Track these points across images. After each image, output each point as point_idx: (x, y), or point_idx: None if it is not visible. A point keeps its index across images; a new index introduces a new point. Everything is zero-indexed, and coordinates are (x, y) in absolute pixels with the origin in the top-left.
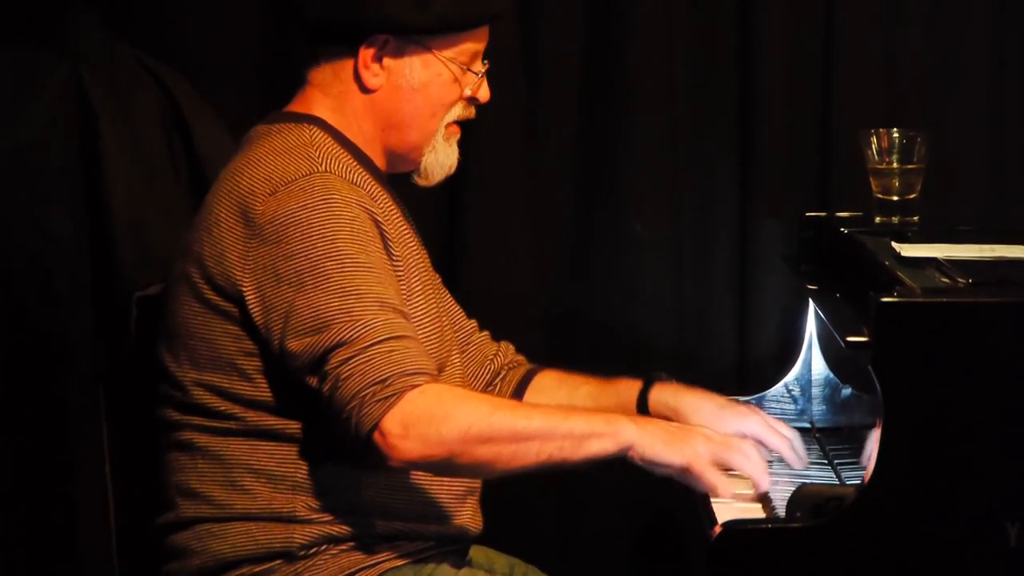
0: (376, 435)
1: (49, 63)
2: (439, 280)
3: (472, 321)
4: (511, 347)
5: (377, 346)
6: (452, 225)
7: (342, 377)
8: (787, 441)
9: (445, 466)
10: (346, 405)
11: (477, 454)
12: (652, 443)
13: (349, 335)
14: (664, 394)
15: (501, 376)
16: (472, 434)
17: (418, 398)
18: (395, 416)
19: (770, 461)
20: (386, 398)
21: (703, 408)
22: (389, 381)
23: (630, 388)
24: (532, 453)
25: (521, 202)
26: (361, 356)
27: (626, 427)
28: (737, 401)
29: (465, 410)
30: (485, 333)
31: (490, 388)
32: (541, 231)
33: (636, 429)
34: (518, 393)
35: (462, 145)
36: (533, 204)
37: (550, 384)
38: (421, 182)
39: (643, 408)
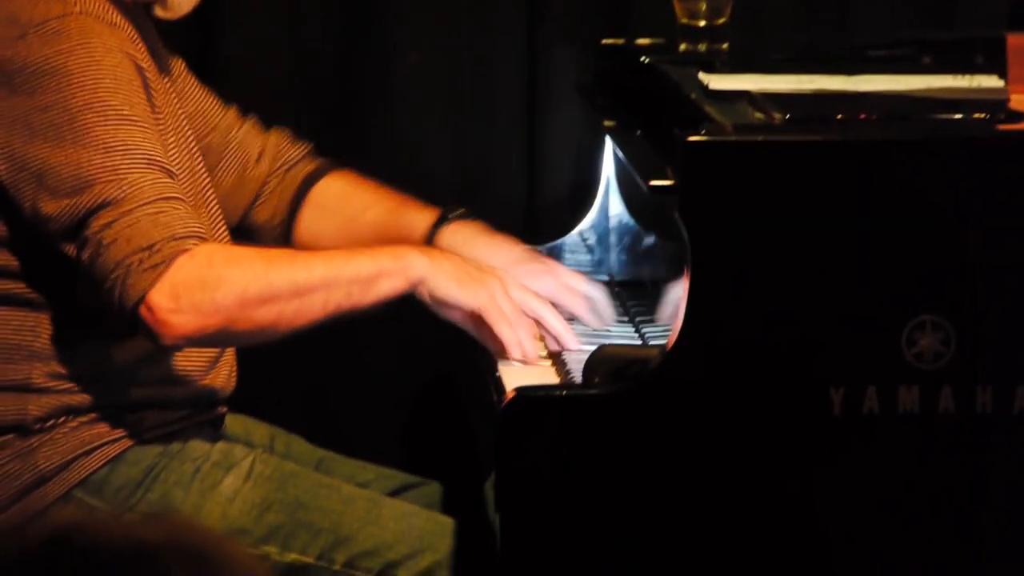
0: (143, 309)
1: None
2: (193, 81)
3: (230, 109)
4: (285, 136)
5: (145, 207)
6: (205, 58)
7: (105, 243)
8: (587, 302)
9: (224, 336)
10: (109, 274)
11: (257, 317)
12: (445, 280)
13: (114, 195)
14: (456, 238)
15: (270, 188)
16: (250, 296)
17: (187, 263)
18: (163, 287)
19: (569, 320)
20: (154, 266)
21: (493, 263)
22: (157, 247)
23: (421, 220)
24: (318, 305)
25: (282, 34)
26: (126, 219)
27: (416, 260)
28: (538, 253)
29: (238, 271)
30: (251, 120)
31: (259, 201)
32: (304, 73)
33: (428, 263)
34: (294, 205)
35: None
36: (293, 37)
37: (334, 197)
38: (167, 15)
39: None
